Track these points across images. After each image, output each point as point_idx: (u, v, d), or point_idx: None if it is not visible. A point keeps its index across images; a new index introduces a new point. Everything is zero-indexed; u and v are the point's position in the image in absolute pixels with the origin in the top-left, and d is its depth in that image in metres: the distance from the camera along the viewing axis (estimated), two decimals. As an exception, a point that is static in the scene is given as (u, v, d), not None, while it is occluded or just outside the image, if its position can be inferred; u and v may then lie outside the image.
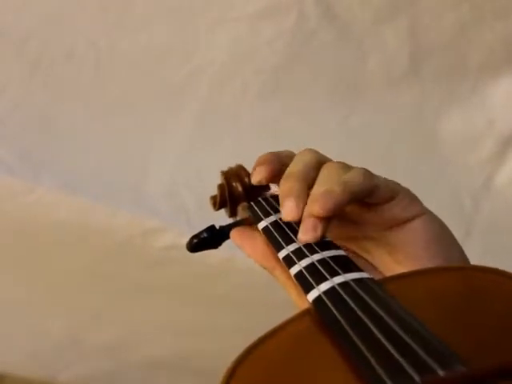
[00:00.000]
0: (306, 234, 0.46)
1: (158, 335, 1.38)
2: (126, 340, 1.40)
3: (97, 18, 1.19)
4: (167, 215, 1.19)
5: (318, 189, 0.47)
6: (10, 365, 1.45)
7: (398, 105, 1.24)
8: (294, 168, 0.50)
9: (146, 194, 1.22)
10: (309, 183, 0.48)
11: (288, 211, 0.47)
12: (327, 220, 0.46)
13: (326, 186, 0.46)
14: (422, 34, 1.19)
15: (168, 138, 1.24)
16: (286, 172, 0.50)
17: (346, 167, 0.50)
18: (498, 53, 1.20)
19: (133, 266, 1.25)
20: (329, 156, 0.51)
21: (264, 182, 0.52)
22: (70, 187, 1.18)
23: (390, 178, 0.50)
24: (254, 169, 0.52)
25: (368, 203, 0.50)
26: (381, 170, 0.52)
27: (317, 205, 0.45)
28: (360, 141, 1.20)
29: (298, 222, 0.49)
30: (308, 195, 0.47)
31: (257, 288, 1.19)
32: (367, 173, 0.49)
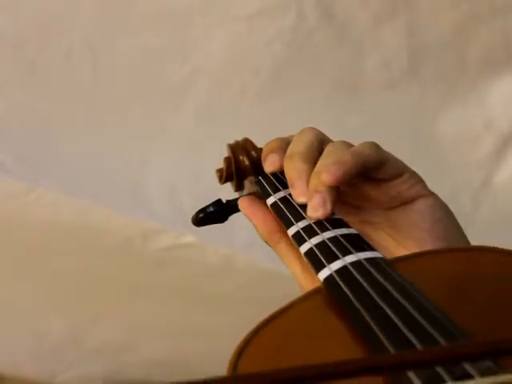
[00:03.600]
0: (315, 211, 0.45)
1: (157, 336, 1.38)
2: (125, 341, 1.39)
3: (94, 19, 1.19)
4: (166, 216, 1.19)
5: (326, 160, 0.47)
6: (10, 365, 1.45)
7: (396, 104, 1.24)
8: (297, 147, 0.49)
9: (144, 195, 1.22)
10: (313, 163, 0.47)
11: (300, 193, 0.46)
12: (335, 193, 0.45)
13: (335, 158, 0.46)
14: (421, 33, 1.19)
15: (166, 138, 1.24)
16: (289, 151, 0.50)
17: (350, 144, 0.50)
18: (496, 52, 1.20)
19: (132, 267, 1.24)
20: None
21: (278, 171, 0.51)
22: (69, 188, 1.18)
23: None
24: (265, 157, 0.51)
25: (375, 179, 0.49)
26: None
27: (327, 174, 0.45)
28: (358, 140, 1.20)
29: None
30: None
31: (257, 287, 1.19)
32: (377, 145, 0.48)
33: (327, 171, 0.45)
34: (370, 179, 0.49)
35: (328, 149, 0.48)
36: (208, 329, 1.33)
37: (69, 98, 1.23)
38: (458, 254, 0.43)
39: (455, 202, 1.22)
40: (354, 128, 1.22)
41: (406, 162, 0.50)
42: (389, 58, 1.21)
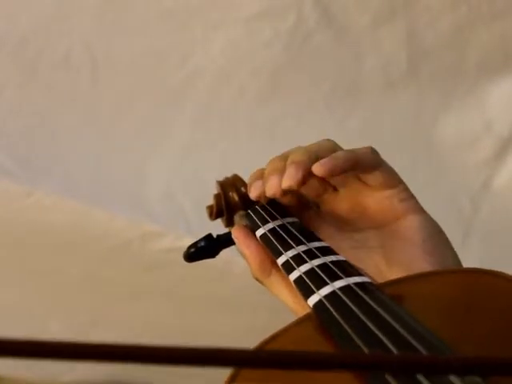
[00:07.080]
0: (288, 179, 0.46)
1: (156, 338, 1.37)
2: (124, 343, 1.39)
3: (93, 22, 1.19)
4: (165, 218, 1.19)
5: (303, 150, 0.49)
6: (10, 367, 1.44)
7: (395, 107, 1.24)
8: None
9: (144, 197, 1.21)
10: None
11: (272, 186, 0.48)
12: (307, 168, 0.46)
13: (325, 152, 0.48)
14: (420, 35, 1.19)
15: (165, 140, 1.24)
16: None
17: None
18: (495, 54, 1.20)
19: (131, 270, 1.24)
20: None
21: (262, 197, 0.51)
22: (69, 191, 1.18)
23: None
24: (250, 184, 0.52)
25: (369, 186, 0.50)
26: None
27: (318, 164, 0.46)
28: (357, 143, 1.20)
29: (298, 230, 0.49)
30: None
31: (254, 292, 1.19)
32: (374, 150, 0.50)
33: (319, 163, 0.46)
34: (365, 186, 0.50)
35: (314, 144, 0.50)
36: (206, 332, 1.32)
37: (68, 100, 1.23)
38: (446, 276, 0.44)
39: (455, 204, 1.22)
40: (353, 130, 1.22)
41: (405, 164, 0.51)
42: (388, 60, 1.21)
